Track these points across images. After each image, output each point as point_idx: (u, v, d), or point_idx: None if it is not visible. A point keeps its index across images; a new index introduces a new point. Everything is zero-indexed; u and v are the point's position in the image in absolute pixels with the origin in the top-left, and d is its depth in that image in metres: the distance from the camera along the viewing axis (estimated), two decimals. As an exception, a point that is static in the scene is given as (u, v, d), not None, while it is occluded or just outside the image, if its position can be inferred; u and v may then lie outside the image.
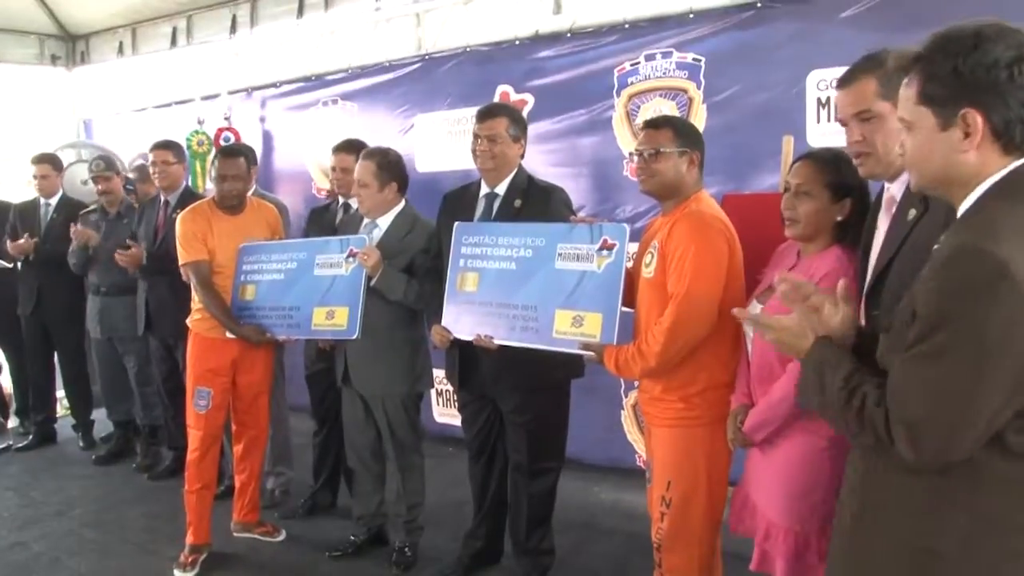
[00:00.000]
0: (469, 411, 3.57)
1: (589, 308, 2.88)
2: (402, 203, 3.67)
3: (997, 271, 1.32)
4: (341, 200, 4.26)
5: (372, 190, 3.58)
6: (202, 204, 4.01)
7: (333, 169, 4.22)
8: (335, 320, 3.60)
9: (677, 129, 2.76)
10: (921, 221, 1.91)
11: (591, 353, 2.85)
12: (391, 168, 3.60)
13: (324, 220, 4.31)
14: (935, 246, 1.59)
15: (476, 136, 3.33)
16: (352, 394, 3.75)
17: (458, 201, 3.51)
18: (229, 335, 3.82)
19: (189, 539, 3.88)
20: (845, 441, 2.27)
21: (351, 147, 4.14)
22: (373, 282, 3.51)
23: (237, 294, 3.86)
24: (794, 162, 2.51)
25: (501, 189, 3.36)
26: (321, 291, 3.65)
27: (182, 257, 3.88)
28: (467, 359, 3.36)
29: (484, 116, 3.34)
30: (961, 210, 1.52)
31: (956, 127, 1.46)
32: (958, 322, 1.36)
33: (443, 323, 3.26)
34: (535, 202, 3.31)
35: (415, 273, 3.55)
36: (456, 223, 3.31)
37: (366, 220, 3.70)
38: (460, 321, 3.23)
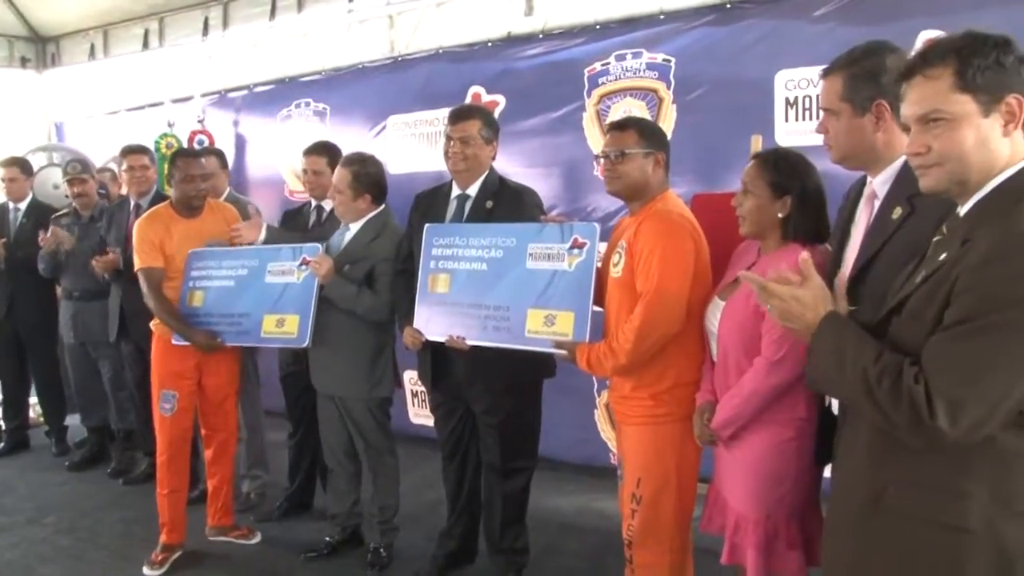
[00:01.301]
0: (442, 412, 3.58)
1: (561, 307, 2.90)
2: (377, 209, 3.66)
3: None
4: (314, 202, 4.26)
5: (346, 197, 3.59)
6: (159, 209, 3.99)
7: (305, 172, 4.22)
8: (285, 328, 3.60)
9: (642, 130, 2.79)
10: (908, 221, 1.94)
11: (563, 352, 2.87)
12: (367, 180, 3.59)
13: (297, 222, 4.30)
14: (932, 236, 1.67)
15: (448, 138, 3.33)
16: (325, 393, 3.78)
17: (430, 202, 3.52)
18: (176, 341, 3.79)
19: (162, 538, 3.90)
20: (811, 432, 2.34)
21: (322, 149, 4.16)
22: (324, 290, 3.52)
23: (185, 300, 3.83)
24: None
25: (473, 191, 3.37)
26: (272, 298, 3.65)
27: (136, 263, 3.86)
28: (439, 360, 3.37)
29: (457, 118, 3.35)
30: (975, 199, 1.58)
31: (998, 113, 1.55)
32: (1017, 304, 1.42)
33: (415, 324, 3.27)
34: (507, 204, 3.32)
35: (376, 280, 3.55)
36: (426, 225, 3.32)
37: (343, 223, 3.71)
38: (432, 322, 3.24)
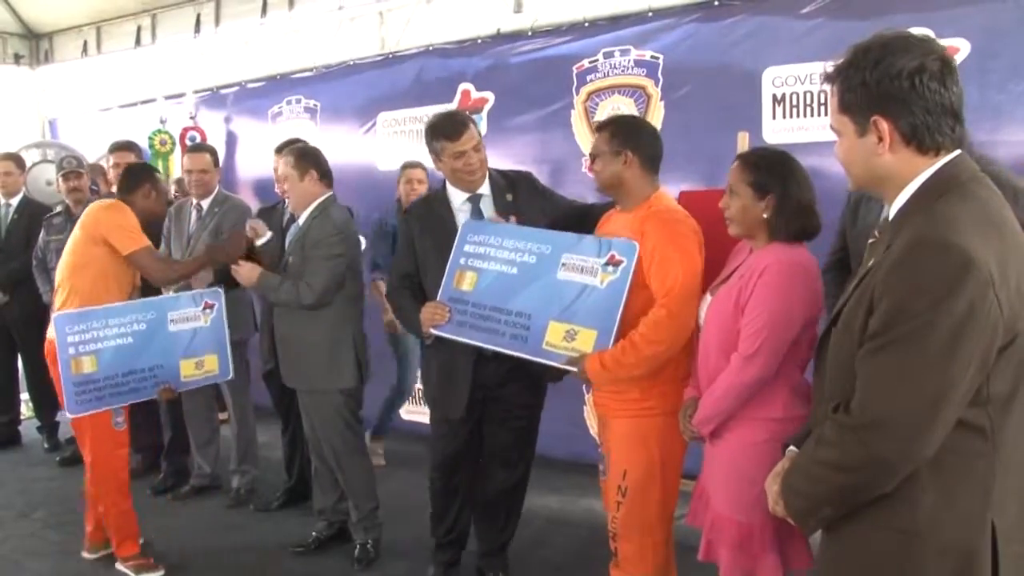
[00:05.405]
0: (449, 427, 3.40)
1: (584, 324, 2.76)
2: (323, 196, 3.66)
3: (964, 261, 1.41)
4: (288, 200, 4.26)
5: (293, 182, 3.64)
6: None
7: (276, 170, 4.25)
8: (206, 368, 3.84)
9: (613, 131, 2.80)
10: None
11: (575, 369, 2.76)
12: (306, 156, 3.65)
13: (272, 220, 4.28)
14: (869, 240, 1.70)
15: (461, 153, 3.16)
16: None
17: (427, 213, 3.36)
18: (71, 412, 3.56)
19: (134, 549, 3.76)
20: (786, 434, 2.34)
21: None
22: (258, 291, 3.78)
23: (69, 370, 3.49)
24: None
25: (485, 189, 3.28)
26: (183, 344, 3.76)
27: (133, 246, 3.67)
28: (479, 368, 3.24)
29: (462, 127, 3.19)
30: (895, 207, 1.60)
31: (871, 133, 1.57)
32: (931, 310, 1.42)
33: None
34: (521, 190, 3.30)
35: (308, 264, 3.56)
36: (465, 221, 3.20)
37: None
38: (449, 320, 3.08)
